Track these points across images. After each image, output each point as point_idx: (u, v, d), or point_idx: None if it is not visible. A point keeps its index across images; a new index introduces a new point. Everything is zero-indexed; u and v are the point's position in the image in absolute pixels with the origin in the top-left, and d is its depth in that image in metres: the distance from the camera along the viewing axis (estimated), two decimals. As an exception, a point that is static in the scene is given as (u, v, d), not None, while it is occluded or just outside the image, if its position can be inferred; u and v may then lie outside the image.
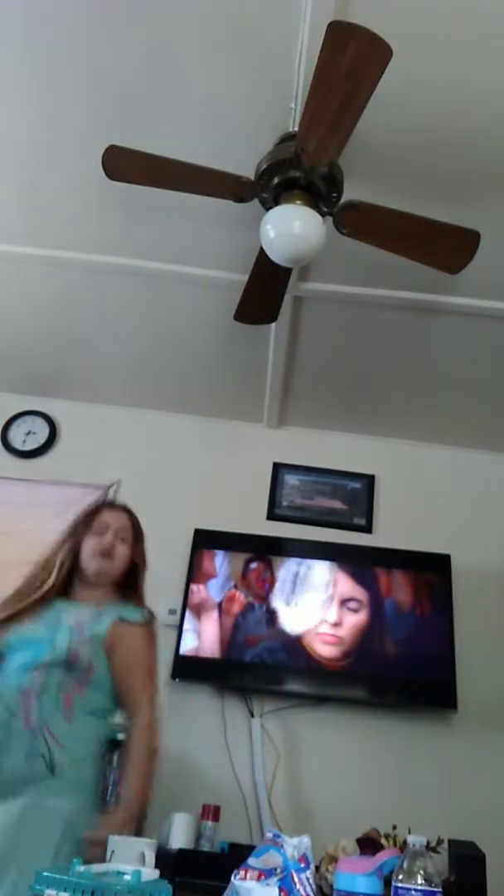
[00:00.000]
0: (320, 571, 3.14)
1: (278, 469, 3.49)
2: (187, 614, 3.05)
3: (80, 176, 2.32)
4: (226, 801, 2.71)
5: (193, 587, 3.11)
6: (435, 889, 1.07)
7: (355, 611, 3.06)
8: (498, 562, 3.23)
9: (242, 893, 1.11)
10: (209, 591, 3.11)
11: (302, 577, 3.13)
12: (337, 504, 3.43)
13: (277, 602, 3.09)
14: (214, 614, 3.06)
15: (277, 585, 3.12)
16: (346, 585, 3.11)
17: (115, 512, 2.04)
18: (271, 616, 3.06)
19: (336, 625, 3.03)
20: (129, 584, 1.98)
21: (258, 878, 1.12)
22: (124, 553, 1.96)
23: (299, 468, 3.49)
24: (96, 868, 1.17)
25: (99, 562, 1.92)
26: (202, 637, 3.02)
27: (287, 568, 3.15)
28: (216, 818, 2.58)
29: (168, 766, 2.82)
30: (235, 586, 3.12)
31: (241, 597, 3.09)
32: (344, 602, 3.08)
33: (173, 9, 1.83)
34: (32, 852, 1.48)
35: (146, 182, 2.00)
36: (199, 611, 3.07)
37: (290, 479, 3.47)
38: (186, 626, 3.02)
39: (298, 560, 3.17)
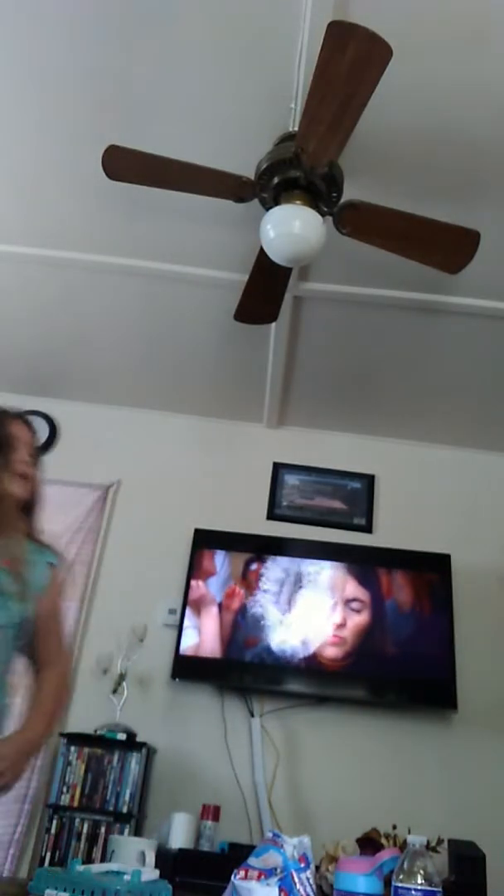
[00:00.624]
0: (321, 572, 3.14)
1: (278, 469, 3.49)
2: (187, 611, 3.05)
3: (80, 176, 2.32)
4: (226, 801, 2.71)
5: (193, 583, 3.11)
6: (435, 889, 1.06)
7: (358, 611, 3.06)
8: (498, 562, 3.23)
9: (242, 893, 1.11)
10: (209, 588, 3.11)
11: (302, 578, 3.13)
12: (337, 504, 3.43)
13: (278, 602, 3.09)
14: (214, 611, 3.06)
15: (278, 586, 3.12)
16: (349, 586, 3.11)
17: (19, 423, 1.58)
18: (271, 616, 3.05)
19: (340, 626, 3.03)
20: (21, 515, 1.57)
21: (258, 878, 1.12)
22: (35, 476, 1.56)
23: (299, 468, 3.49)
24: (96, 868, 1.17)
25: (20, 485, 1.50)
26: (202, 635, 3.02)
27: (287, 568, 3.15)
28: (216, 818, 2.58)
29: (168, 766, 2.85)
30: (235, 586, 3.12)
31: (241, 596, 3.09)
32: (347, 602, 3.08)
33: (174, 9, 1.83)
34: None
35: (146, 182, 2.00)
36: (199, 607, 3.07)
37: (290, 479, 3.47)
38: (186, 622, 3.02)
39: (299, 560, 3.17)
